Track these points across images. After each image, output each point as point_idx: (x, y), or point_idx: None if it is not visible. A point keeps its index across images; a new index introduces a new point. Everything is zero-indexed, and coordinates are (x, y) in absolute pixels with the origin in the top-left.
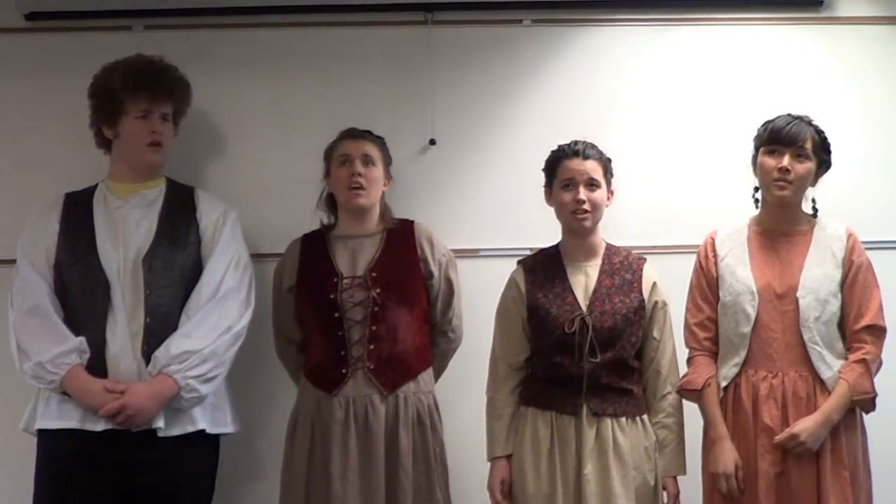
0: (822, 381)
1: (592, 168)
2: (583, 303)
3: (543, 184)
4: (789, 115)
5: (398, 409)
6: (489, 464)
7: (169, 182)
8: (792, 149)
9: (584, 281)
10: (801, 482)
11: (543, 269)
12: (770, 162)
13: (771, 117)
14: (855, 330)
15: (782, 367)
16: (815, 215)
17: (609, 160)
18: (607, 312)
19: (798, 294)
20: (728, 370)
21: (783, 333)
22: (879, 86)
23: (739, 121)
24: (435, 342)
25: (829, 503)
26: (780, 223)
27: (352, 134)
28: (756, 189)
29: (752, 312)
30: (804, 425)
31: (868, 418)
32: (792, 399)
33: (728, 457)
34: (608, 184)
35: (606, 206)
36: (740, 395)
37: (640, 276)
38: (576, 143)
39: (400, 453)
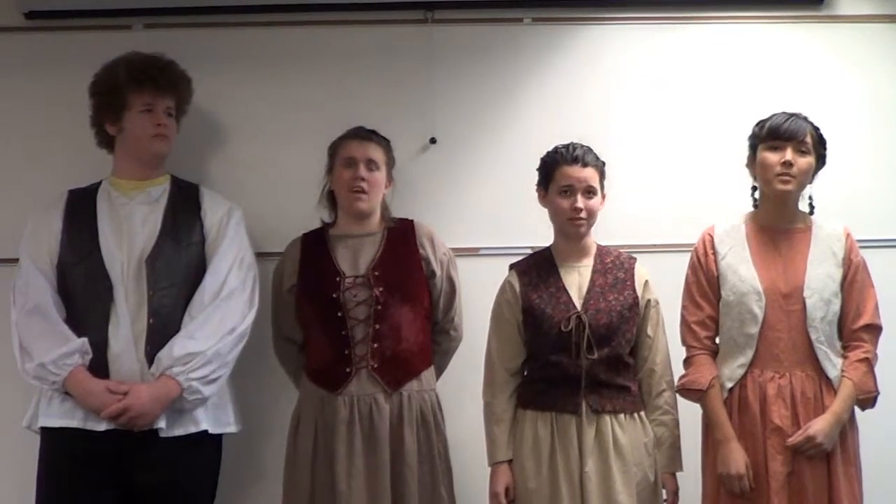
0: (828, 381)
1: (590, 176)
2: (577, 301)
3: (536, 182)
4: (784, 112)
5: (402, 407)
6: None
7: (173, 179)
8: (793, 143)
9: (577, 280)
10: (814, 481)
11: (537, 270)
12: (772, 157)
13: (766, 116)
14: (853, 329)
15: (789, 367)
16: (811, 212)
17: (604, 164)
18: (602, 310)
19: (804, 294)
20: (733, 371)
21: (789, 333)
22: (880, 83)
23: (740, 119)
24: (437, 341)
25: (842, 501)
26: (779, 220)
27: (358, 135)
28: (754, 189)
29: (759, 313)
30: (819, 427)
31: (863, 415)
32: (801, 399)
33: (738, 457)
34: (602, 188)
35: (599, 209)
36: (746, 396)
37: (633, 275)
38: (573, 147)
39: (405, 452)
